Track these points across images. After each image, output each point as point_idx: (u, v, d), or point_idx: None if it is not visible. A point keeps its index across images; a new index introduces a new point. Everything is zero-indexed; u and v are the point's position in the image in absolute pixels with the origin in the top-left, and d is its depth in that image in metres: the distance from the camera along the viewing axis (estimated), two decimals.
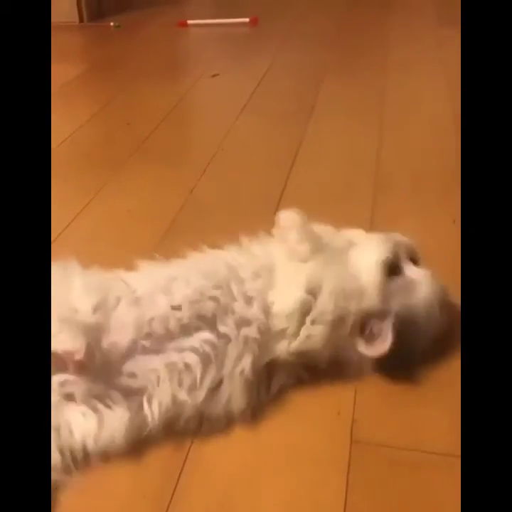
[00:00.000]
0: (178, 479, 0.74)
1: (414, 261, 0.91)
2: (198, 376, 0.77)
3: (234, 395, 0.79)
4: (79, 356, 0.72)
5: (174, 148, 1.57)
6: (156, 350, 0.79)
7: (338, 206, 1.27)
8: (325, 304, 0.83)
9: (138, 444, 0.76)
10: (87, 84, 1.99)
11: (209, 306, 0.81)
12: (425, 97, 1.82)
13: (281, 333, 0.82)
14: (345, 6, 2.77)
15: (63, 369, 0.74)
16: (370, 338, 0.82)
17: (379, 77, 1.95)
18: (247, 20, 2.51)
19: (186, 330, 0.80)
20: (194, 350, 0.79)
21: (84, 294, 0.81)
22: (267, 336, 0.82)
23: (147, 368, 0.77)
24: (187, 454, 0.76)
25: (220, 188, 1.36)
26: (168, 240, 1.15)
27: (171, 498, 0.72)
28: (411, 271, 0.89)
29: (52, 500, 0.69)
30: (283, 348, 0.82)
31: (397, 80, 1.93)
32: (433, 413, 0.81)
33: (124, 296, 0.82)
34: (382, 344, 0.81)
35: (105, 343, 0.77)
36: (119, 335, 0.78)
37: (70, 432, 0.73)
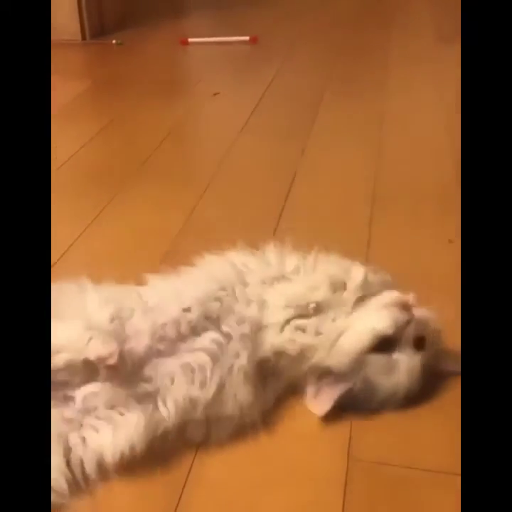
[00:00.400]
0: (181, 495, 0.76)
1: (420, 341, 0.86)
2: (208, 374, 0.81)
3: (238, 389, 0.82)
4: (113, 360, 0.75)
5: (176, 166, 1.60)
6: (170, 352, 0.82)
7: (335, 225, 1.30)
8: (310, 326, 0.86)
9: (143, 459, 0.78)
10: (90, 103, 2.02)
11: (214, 307, 0.86)
12: (423, 117, 1.85)
13: (270, 327, 0.86)
14: (345, 26, 2.81)
15: (91, 378, 0.77)
16: (317, 393, 0.84)
17: (378, 97, 1.98)
18: (247, 38, 2.55)
19: (195, 331, 0.84)
20: (204, 349, 0.83)
21: (100, 305, 0.84)
22: (258, 331, 0.86)
23: (163, 370, 0.81)
24: (190, 470, 0.79)
25: (221, 207, 1.39)
26: (171, 257, 1.17)
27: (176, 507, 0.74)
28: (402, 355, 0.85)
29: None
30: (269, 341, 0.86)
31: (396, 100, 1.96)
32: (428, 430, 0.84)
33: (137, 307, 0.86)
34: (320, 406, 0.83)
35: (123, 349, 0.79)
36: (136, 341, 0.81)
37: (85, 448, 0.76)
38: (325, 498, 0.75)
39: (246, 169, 1.56)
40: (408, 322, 0.85)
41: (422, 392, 0.87)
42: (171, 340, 0.83)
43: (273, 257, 0.96)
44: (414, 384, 0.84)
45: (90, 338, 0.76)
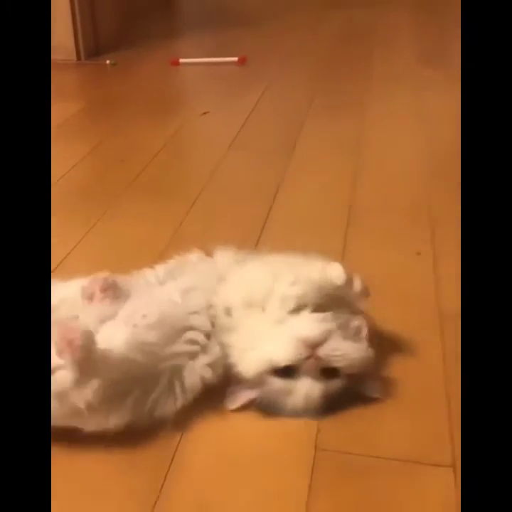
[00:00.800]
0: (165, 479, 0.85)
1: (330, 371, 0.92)
2: None
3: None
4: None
5: (165, 183, 1.68)
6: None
7: (313, 236, 1.40)
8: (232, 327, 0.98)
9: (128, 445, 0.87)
10: (84, 122, 2.11)
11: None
12: (400, 137, 1.95)
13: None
14: (329, 48, 2.93)
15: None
16: (234, 391, 0.94)
17: (359, 117, 2.08)
18: (235, 59, 2.66)
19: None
20: None
21: None
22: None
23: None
24: (172, 457, 0.87)
25: (207, 221, 1.48)
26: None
27: (158, 496, 0.83)
28: (302, 382, 0.91)
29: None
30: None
31: (376, 121, 2.06)
32: (390, 422, 0.92)
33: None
34: (229, 403, 0.93)
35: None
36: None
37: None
38: (292, 485, 0.84)
39: (232, 185, 1.66)
40: (308, 358, 0.90)
41: (384, 387, 0.96)
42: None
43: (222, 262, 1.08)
44: (313, 409, 0.91)
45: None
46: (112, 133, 1.98)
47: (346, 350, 0.92)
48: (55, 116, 2.09)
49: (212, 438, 0.91)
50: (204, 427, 0.92)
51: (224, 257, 1.09)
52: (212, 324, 0.97)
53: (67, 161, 1.78)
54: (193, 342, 0.93)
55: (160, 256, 1.31)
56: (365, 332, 0.97)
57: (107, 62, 2.65)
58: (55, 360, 0.82)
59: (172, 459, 0.87)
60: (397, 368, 1.00)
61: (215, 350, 0.94)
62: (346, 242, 1.37)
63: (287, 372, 0.91)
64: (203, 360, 0.93)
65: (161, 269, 1.09)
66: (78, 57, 2.69)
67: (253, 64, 2.65)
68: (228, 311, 0.98)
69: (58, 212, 1.51)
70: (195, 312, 0.96)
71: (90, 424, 0.86)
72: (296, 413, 0.91)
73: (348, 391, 0.93)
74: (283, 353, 0.91)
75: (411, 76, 2.49)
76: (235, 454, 0.88)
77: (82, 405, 0.83)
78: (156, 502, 0.82)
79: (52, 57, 2.58)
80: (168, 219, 1.48)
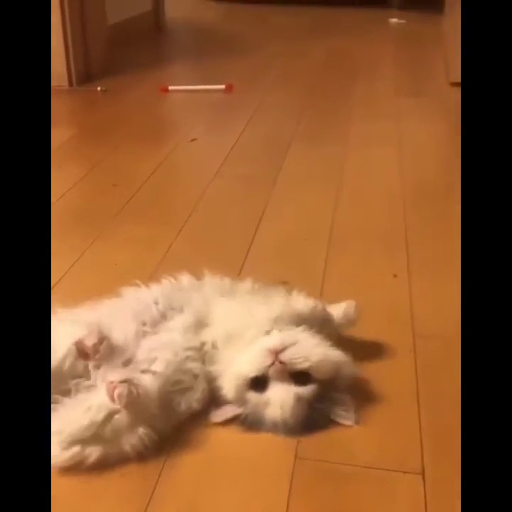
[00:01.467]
0: (156, 485, 0.91)
1: (301, 376, 0.99)
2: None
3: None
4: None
5: (155, 207, 1.76)
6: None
7: (295, 261, 1.48)
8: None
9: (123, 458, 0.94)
10: (77, 147, 2.18)
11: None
12: (380, 164, 2.05)
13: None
14: (313, 77, 3.04)
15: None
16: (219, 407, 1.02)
17: (341, 144, 2.18)
18: (222, 87, 2.75)
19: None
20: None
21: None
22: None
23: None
24: (163, 465, 0.94)
25: (195, 245, 1.56)
26: None
27: (149, 501, 0.89)
28: (273, 391, 0.98)
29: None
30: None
31: (357, 148, 2.16)
32: (363, 432, 1.00)
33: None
34: (213, 417, 1.01)
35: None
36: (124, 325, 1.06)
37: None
38: (273, 491, 0.91)
39: (218, 211, 1.74)
40: (272, 364, 0.98)
41: (356, 414, 1.02)
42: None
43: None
44: (290, 415, 0.97)
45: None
46: (104, 158, 2.06)
47: (309, 353, 1.00)
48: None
49: (199, 448, 0.98)
50: (191, 439, 0.99)
51: (211, 284, 1.17)
52: (203, 361, 1.05)
53: (62, 185, 1.86)
54: (186, 383, 1.02)
55: (150, 277, 1.38)
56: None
57: (98, 88, 2.73)
58: (109, 404, 0.92)
59: (163, 465, 0.94)
60: (372, 381, 1.08)
61: (201, 387, 1.03)
62: (327, 265, 1.45)
63: (261, 385, 0.99)
64: (193, 396, 1.01)
65: (156, 289, 1.17)
66: (70, 84, 2.76)
67: (240, 91, 2.75)
68: (214, 345, 1.07)
69: (53, 235, 1.57)
70: (189, 357, 1.04)
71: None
72: (276, 427, 0.98)
73: (322, 415, 1.00)
74: (249, 364, 1.00)
75: (390, 105, 2.59)
76: (220, 461, 0.96)
77: (128, 449, 0.93)
78: (147, 505, 0.89)
79: None
80: (158, 243, 1.55)
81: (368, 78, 3.01)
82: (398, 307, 1.31)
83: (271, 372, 0.99)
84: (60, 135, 2.23)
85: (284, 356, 0.99)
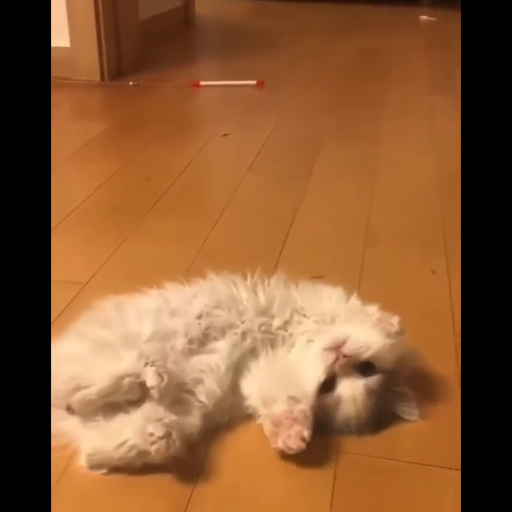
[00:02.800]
0: (196, 484, 0.92)
1: (365, 367, 0.98)
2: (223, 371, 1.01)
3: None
4: (157, 393, 0.94)
5: (189, 202, 1.76)
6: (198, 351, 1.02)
7: (331, 257, 1.47)
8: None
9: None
10: (109, 143, 2.19)
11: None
12: (414, 160, 2.03)
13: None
14: (345, 74, 3.03)
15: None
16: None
17: (374, 140, 2.17)
18: (254, 82, 2.75)
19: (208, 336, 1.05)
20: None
21: (139, 320, 1.04)
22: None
23: (196, 366, 1.00)
24: (204, 457, 0.94)
25: (230, 239, 1.55)
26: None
27: (190, 497, 0.90)
28: (342, 387, 0.97)
29: None
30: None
31: (390, 145, 2.15)
32: (407, 427, 0.99)
33: (164, 308, 1.06)
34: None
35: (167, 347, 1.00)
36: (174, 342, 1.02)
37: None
38: (316, 485, 0.91)
39: (252, 206, 1.73)
40: (335, 361, 0.97)
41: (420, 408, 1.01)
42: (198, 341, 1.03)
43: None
44: (362, 407, 0.96)
45: (146, 364, 0.94)
46: (137, 152, 2.06)
47: (368, 341, 1.00)
48: (81, 135, 2.21)
49: (240, 442, 0.98)
50: (232, 433, 0.99)
51: (244, 289, 1.13)
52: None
53: (95, 179, 1.87)
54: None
55: (186, 273, 1.38)
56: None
57: (130, 83, 2.74)
58: (144, 447, 0.90)
59: (204, 459, 0.95)
60: (414, 378, 1.07)
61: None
62: (363, 261, 1.45)
63: (329, 387, 0.98)
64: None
65: (198, 304, 1.10)
66: (102, 78, 2.78)
67: (271, 87, 2.75)
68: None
69: (88, 229, 1.60)
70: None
71: None
72: (349, 425, 0.97)
73: (387, 410, 0.99)
74: (315, 370, 0.98)
75: (423, 103, 2.58)
76: (261, 456, 0.95)
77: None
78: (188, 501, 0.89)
79: (79, 77, 2.72)
80: (193, 237, 1.55)
81: (399, 76, 2.99)
82: (438, 304, 1.30)
83: (336, 368, 0.98)
84: (92, 129, 2.25)
85: (346, 349, 0.99)
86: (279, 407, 0.94)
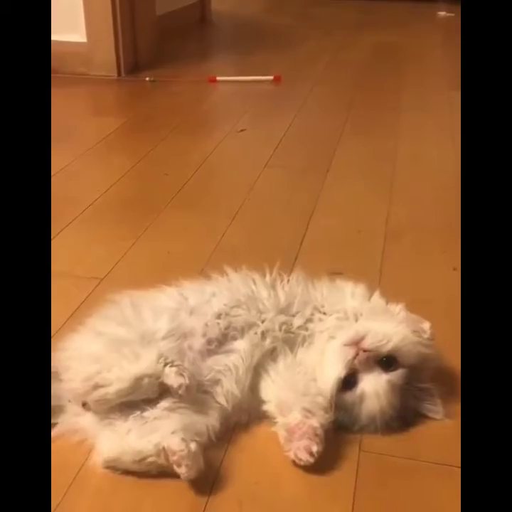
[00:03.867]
0: (214, 480, 0.90)
1: (387, 361, 0.97)
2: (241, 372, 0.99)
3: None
4: (182, 392, 0.92)
5: (206, 198, 1.74)
6: (216, 351, 1.00)
7: (351, 253, 1.45)
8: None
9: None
10: (125, 138, 2.18)
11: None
12: (433, 156, 2.00)
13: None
14: (361, 70, 3.00)
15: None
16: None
17: (393, 136, 2.15)
18: (271, 78, 2.73)
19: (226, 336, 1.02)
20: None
21: (155, 316, 1.02)
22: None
23: (215, 367, 0.98)
24: (223, 457, 0.93)
25: (248, 235, 1.54)
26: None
27: (209, 495, 0.88)
28: (364, 383, 0.95)
29: None
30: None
31: (409, 140, 2.12)
32: (428, 427, 0.98)
33: (182, 307, 1.04)
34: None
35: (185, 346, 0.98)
36: (192, 340, 1.00)
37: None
38: (338, 484, 0.89)
39: (270, 201, 1.72)
40: (356, 356, 0.96)
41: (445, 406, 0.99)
42: (217, 341, 1.01)
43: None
44: (386, 403, 0.94)
45: (165, 365, 0.93)
46: (153, 148, 2.05)
47: (389, 334, 0.98)
48: (98, 130, 2.20)
49: (260, 441, 0.96)
50: (250, 435, 0.98)
51: (263, 287, 1.10)
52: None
53: (112, 175, 1.86)
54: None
55: (206, 264, 1.37)
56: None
57: (147, 78, 2.73)
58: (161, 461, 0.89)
59: (222, 459, 0.93)
60: (438, 377, 1.04)
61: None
62: (383, 258, 1.42)
63: (351, 383, 0.96)
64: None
65: (217, 303, 1.07)
66: (119, 74, 2.77)
67: (287, 83, 2.73)
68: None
69: (105, 223, 1.59)
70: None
71: None
72: (374, 422, 0.95)
73: (412, 409, 0.97)
74: (334, 365, 0.97)
75: (442, 98, 2.54)
76: (283, 455, 0.93)
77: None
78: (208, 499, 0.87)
79: (96, 72, 2.71)
80: (210, 233, 1.54)
81: (417, 71, 2.96)
82: (458, 301, 1.26)
83: (357, 364, 0.96)
84: (108, 125, 2.24)
85: (366, 343, 0.97)
86: (294, 417, 0.93)
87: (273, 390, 0.98)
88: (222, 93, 2.69)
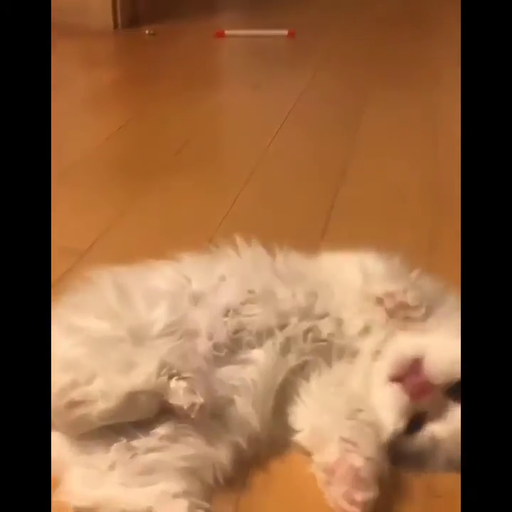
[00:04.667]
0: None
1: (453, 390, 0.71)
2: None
3: None
4: (193, 414, 0.67)
5: (214, 159, 1.50)
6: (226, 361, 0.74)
7: (393, 226, 1.18)
8: None
9: None
10: (121, 92, 1.94)
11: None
12: None
13: None
14: (383, 23, 2.71)
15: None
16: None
17: (430, 92, 1.88)
18: (285, 32, 2.45)
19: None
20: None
21: (150, 307, 0.75)
22: None
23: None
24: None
25: (263, 204, 1.28)
26: None
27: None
28: (438, 424, 0.70)
29: None
30: None
31: (450, 96, 1.84)
32: None
33: (184, 294, 0.77)
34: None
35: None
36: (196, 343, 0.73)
37: None
38: None
39: (289, 164, 1.46)
40: (414, 395, 0.70)
41: None
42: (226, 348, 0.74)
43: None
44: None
45: (170, 377, 0.67)
46: (150, 104, 1.80)
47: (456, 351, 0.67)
48: (90, 84, 1.96)
49: (287, 480, 0.71)
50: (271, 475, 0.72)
51: (282, 278, 0.82)
52: None
53: (102, 131, 1.60)
54: None
55: (208, 243, 1.10)
56: None
57: (146, 32, 2.46)
58: None
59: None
60: None
61: None
62: (433, 237, 1.15)
63: (417, 425, 0.70)
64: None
65: (222, 264, 0.83)
66: (115, 26, 2.50)
67: (303, 38, 2.44)
68: None
69: (90, 188, 1.33)
70: None
71: None
72: (451, 463, 0.69)
73: None
74: (388, 412, 0.70)
75: None
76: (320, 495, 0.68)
77: None
78: None
79: (89, 25, 2.43)
80: (217, 201, 1.28)
81: (446, 27, 2.66)
82: None
83: (418, 407, 0.69)
84: (101, 78, 1.99)
85: (426, 374, 0.70)
86: (331, 454, 0.67)
87: (305, 416, 0.72)
88: (231, 48, 2.41)
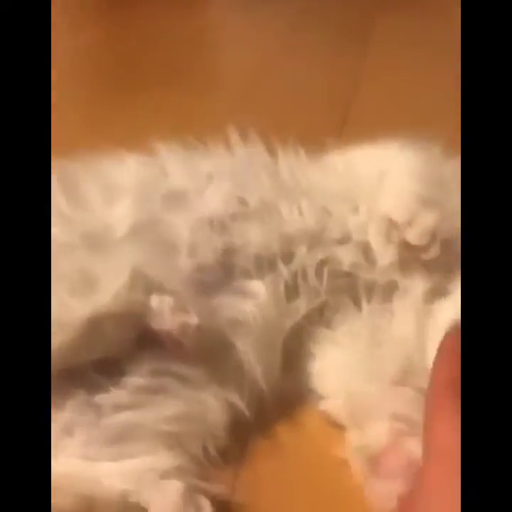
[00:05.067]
0: None
1: None
2: None
3: None
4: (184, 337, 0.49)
5: (206, 72, 1.31)
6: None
7: (428, 119, 0.97)
8: None
9: None
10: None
11: None
12: None
13: None
14: None
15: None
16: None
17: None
18: None
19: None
20: None
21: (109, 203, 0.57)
22: None
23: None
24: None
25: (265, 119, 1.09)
26: None
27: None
28: None
29: None
30: None
31: None
32: None
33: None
34: None
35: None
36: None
37: None
38: None
39: (296, 79, 1.26)
40: None
41: None
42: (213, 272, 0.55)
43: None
44: None
45: (147, 294, 0.49)
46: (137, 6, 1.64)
47: None
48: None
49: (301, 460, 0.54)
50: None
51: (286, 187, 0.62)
52: None
53: (82, 30, 1.49)
54: None
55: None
56: None
57: None
58: None
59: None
60: None
61: None
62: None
63: None
64: None
65: (209, 159, 0.64)
66: None
67: None
68: None
69: (72, 98, 1.16)
70: None
71: None
72: None
73: None
74: None
75: None
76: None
77: None
78: None
79: None
80: (209, 115, 1.08)
81: None
82: None
83: None
84: None
85: None
86: (379, 436, 0.48)
87: (334, 378, 0.54)
88: None
